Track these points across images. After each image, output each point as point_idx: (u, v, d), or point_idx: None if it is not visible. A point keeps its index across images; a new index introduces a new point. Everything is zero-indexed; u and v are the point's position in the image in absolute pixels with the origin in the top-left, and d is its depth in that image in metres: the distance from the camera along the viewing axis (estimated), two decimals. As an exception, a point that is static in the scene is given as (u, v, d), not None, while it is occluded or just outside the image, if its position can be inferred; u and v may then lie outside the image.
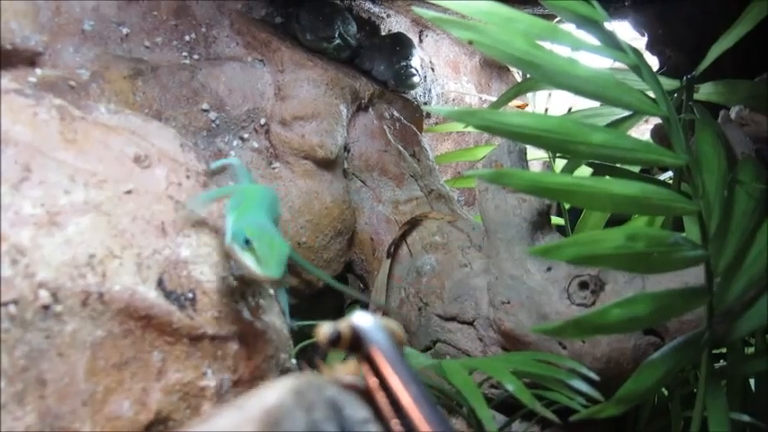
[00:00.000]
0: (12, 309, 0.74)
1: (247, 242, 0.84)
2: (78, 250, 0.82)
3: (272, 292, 1.06)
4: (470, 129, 2.10)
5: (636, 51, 0.94)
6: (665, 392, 1.19)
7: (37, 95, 0.95)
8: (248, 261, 0.84)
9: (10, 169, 0.83)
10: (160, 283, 0.89)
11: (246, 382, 0.93)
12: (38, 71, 1.25)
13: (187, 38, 1.53)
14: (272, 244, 0.85)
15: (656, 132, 1.49)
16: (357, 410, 0.47)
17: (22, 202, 0.81)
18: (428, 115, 2.07)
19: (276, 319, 1.02)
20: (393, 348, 0.54)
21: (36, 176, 0.85)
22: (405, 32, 2.00)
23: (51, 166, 0.87)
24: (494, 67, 2.44)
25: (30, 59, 1.25)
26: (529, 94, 2.26)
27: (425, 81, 2.12)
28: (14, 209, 0.80)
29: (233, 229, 0.88)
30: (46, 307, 0.77)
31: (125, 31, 1.43)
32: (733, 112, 1.29)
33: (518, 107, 2.21)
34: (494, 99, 2.22)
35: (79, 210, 0.86)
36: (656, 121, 1.71)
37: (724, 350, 1.11)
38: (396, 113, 1.82)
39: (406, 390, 0.49)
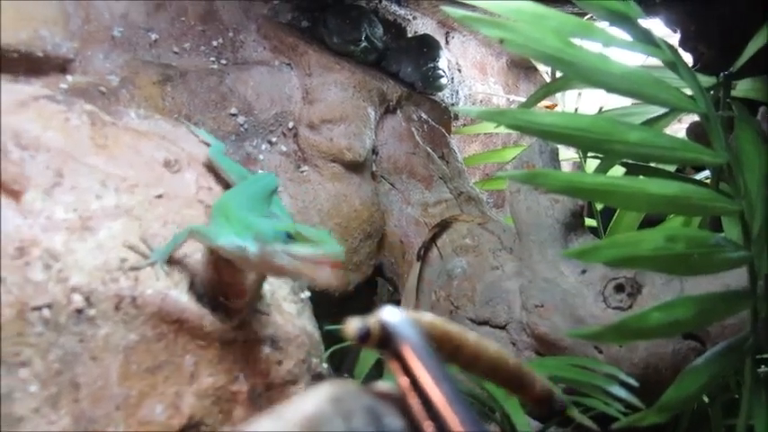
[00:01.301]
0: (46, 313, 0.74)
1: (289, 236, 0.77)
2: (110, 255, 0.83)
3: None
4: (499, 130, 2.07)
5: (671, 47, 0.92)
6: (705, 399, 1.16)
7: (68, 101, 0.96)
8: (303, 251, 0.75)
9: (42, 175, 0.84)
10: (191, 287, 0.89)
11: (278, 387, 0.93)
12: (69, 77, 1.27)
13: (215, 43, 1.54)
14: (305, 228, 0.79)
15: (693, 130, 1.45)
16: (395, 420, 0.46)
17: (55, 207, 0.82)
18: (455, 117, 2.05)
19: (308, 323, 1.02)
20: (424, 345, 0.52)
21: (68, 182, 0.85)
22: (431, 34, 1.99)
23: (83, 172, 0.88)
24: (521, 67, 2.41)
25: (61, 66, 1.27)
26: (558, 95, 2.23)
27: (453, 83, 2.10)
28: (47, 214, 0.81)
29: (258, 234, 0.80)
30: (79, 311, 0.77)
31: (154, 36, 1.44)
32: (773, 109, 1.25)
33: (547, 107, 2.17)
34: (521, 100, 2.20)
35: (111, 214, 0.86)
36: (690, 120, 1.67)
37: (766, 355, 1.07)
38: (424, 115, 1.81)
39: (438, 388, 0.47)
